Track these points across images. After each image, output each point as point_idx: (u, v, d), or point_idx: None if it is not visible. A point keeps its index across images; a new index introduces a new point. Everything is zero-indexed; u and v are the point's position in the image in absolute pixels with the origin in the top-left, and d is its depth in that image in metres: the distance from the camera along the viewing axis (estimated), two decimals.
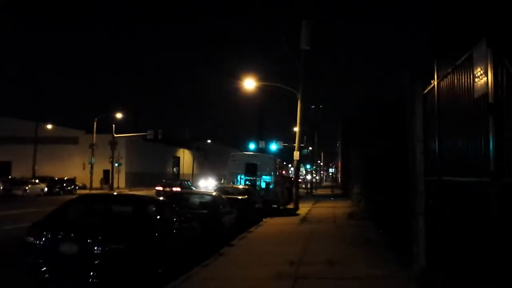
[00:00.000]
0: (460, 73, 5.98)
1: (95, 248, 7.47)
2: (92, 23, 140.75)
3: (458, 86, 6.10)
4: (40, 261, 7.65)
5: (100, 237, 7.56)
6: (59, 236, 7.76)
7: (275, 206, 25.28)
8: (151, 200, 10.17)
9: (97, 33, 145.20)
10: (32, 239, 7.83)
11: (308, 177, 66.70)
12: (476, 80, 5.32)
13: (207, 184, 61.01)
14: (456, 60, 6.07)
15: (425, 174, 7.81)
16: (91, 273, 7.44)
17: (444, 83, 6.80)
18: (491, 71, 4.92)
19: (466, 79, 5.77)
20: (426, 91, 7.82)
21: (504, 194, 4.67)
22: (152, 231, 8.59)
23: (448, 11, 6.59)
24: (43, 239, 7.77)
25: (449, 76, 6.50)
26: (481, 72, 5.16)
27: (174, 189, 34.96)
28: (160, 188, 37.22)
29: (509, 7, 4.65)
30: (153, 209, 9.34)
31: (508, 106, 4.63)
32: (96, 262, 7.44)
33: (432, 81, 7.34)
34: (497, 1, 4.94)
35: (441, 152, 7.00)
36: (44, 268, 7.61)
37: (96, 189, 52.01)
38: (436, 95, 7.17)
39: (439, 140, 7.09)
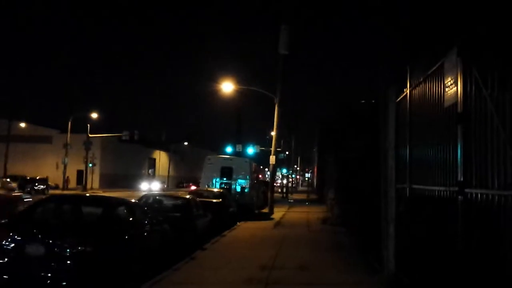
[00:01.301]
0: (432, 82, 6.05)
1: (62, 250, 7.31)
2: (67, 22, 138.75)
3: (429, 95, 6.17)
4: (6, 262, 7.45)
5: (67, 239, 7.41)
6: (26, 237, 7.57)
7: (250, 210, 25.24)
8: (121, 202, 10.02)
9: (73, 32, 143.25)
10: None
11: (284, 181, 66.72)
12: (447, 89, 5.37)
13: (151, 188, 58.78)
14: (428, 69, 6.14)
15: (397, 182, 7.89)
16: (58, 276, 7.27)
17: (416, 91, 6.87)
18: (460, 80, 4.98)
19: (437, 88, 5.83)
20: (399, 99, 7.90)
21: (470, 203, 4.71)
22: (122, 234, 8.47)
23: (420, 20, 6.67)
24: (9, 240, 7.57)
25: (421, 85, 6.57)
26: (451, 81, 5.22)
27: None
28: (194, 187, 39.92)
29: (479, 17, 4.72)
30: (124, 211, 9.22)
31: (476, 116, 4.67)
32: (63, 265, 7.28)
33: (405, 89, 7.41)
34: (467, 11, 5.01)
35: (412, 160, 7.07)
36: (10, 270, 7.43)
37: (70, 189, 51.18)
38: (408, 103, 7.24)
39: (410, 148, 7.16)
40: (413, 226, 6.75)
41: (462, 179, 4.88)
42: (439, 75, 5.72)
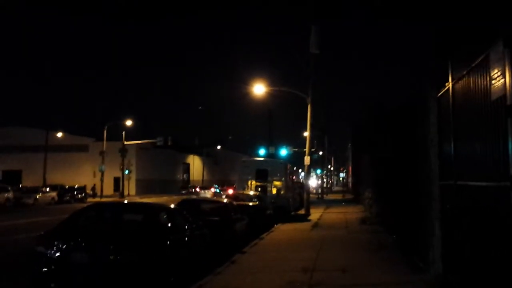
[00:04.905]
0: (476, 75, 5.85)
1: (107, 257, 7.39)
2: (100, 30, 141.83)
3: (474, 88, 5.97)
4: (51, 271, 7.59)
5: (111, 246, 7.49)
6: (70, 246, 7.69)
7: (286, 212, 25.14)
8: (162, 208, 10.09)
9: (106, 39, 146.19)
10: (43, 248, 7.76)
11: (319, 182, 66.26)
12: (493, 82, 5.19)
13: None
14: (472, 62, 5.94)
15: (441, 179, 7.68)
16: (103, 283, 7.37)
17: (459, 85, 6.67)
18: (509, 72, 4.79)
19: (482, 81, 5.64)
20: (440, 94, 7.70)
21: None
22: (164, 240, 8.50)
23: (463, 11, 6.48)
24: (54, 248, 7.70)
25: (464, 78, 6.37)
26: (498, 73, 5.03)
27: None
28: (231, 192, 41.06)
29: None
30: (165, 216, 9.27)
31: None
32: (107, 272, 7.37)
33: (446, 84, 7.21)
34: None
35: (457, 156, 6.86)
36: (55, 278, 7.56)
37: (107, 196, 52.04)
38: (450, 98, 7.04)
39: (454, 143, 6.94)
40: (462, 225, 6.54)
41: None
42: (484, 68, 5.53)
